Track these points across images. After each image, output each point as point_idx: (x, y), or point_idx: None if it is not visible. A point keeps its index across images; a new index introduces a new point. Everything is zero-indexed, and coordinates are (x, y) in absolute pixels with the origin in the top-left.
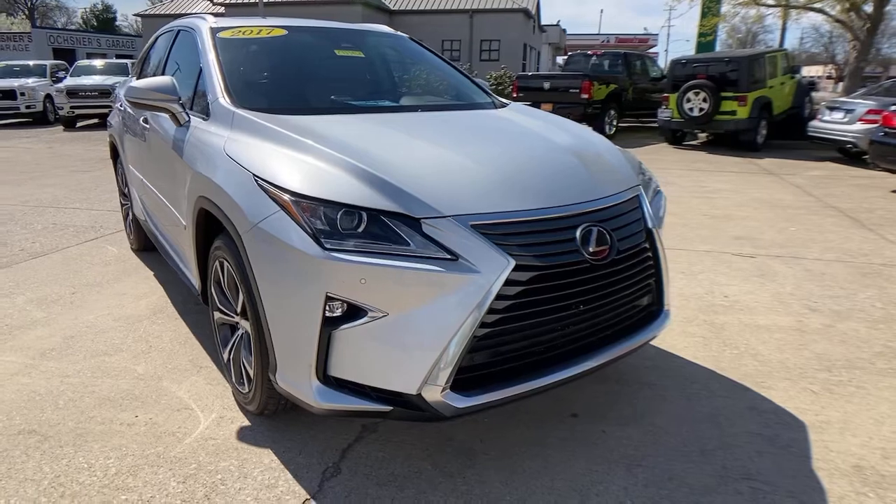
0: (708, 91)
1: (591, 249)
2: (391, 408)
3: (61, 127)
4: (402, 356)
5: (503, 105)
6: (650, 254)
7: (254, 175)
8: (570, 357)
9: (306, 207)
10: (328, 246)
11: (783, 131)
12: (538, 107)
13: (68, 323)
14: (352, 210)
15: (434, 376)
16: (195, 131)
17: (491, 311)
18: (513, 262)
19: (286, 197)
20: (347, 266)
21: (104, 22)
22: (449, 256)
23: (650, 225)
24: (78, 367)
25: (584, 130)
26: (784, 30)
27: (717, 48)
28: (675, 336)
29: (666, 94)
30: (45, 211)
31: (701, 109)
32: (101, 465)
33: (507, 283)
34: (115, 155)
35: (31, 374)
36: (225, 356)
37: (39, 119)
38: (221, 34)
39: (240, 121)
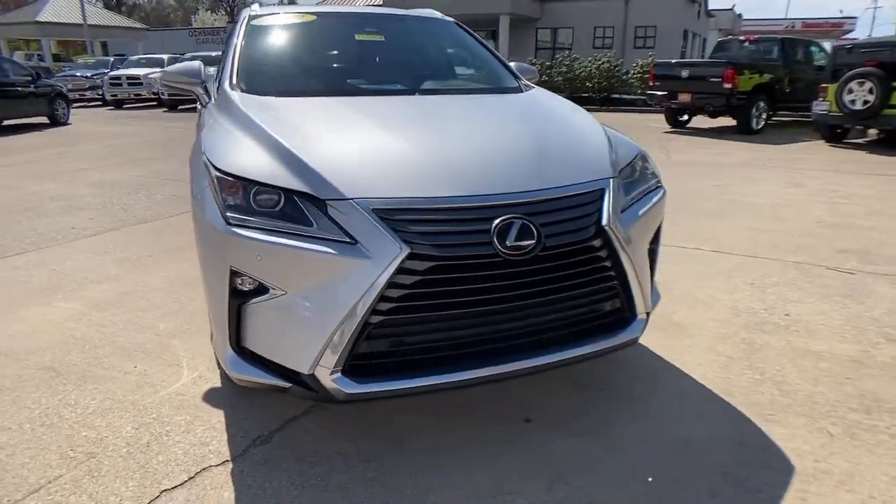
0: (875, 80)
1: (508, 243)
2: (290, 385)
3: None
4: (297, 335)
5: (529, 89)
6: (603, 253)
7: (202, 152)
8: (491, 356)
9: (226, 184)
10: (231, 221)
11: None
12: (675, 97)
13: (131, 280)
14: (265, 188)
15: (325, 359)
16: (206, 112)
17: (384, 298)
18: (407, 250)
19: (213, 173)
20: (245, 242)
21: None
22: (348, 240)
23: (604, 222)
24: (115, 319)
25: (575, 115)
26: None
27: None
28: (697, 352)
29: (824, 85)
30: (168, 183)
31: (865, 102)
32: (85, 404)
33: (402, 271)
34: None
35: (80, 320)
36: None
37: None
38: (255, 21)
39: (225, 101)
